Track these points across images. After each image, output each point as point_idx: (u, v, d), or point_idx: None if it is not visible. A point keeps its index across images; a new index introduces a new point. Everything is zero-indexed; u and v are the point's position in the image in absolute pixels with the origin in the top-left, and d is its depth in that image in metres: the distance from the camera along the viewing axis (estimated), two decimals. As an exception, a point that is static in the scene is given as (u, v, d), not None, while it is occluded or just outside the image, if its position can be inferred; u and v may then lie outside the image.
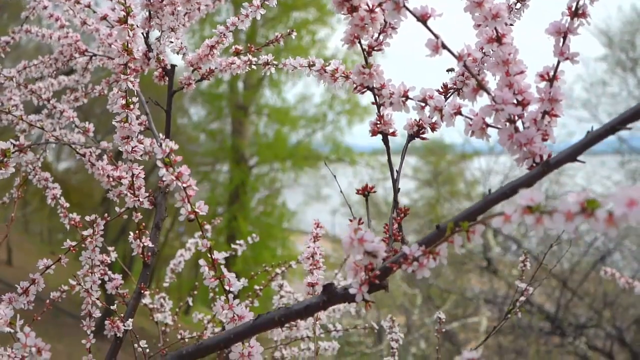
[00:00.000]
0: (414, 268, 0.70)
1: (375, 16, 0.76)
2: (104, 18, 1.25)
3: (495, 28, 0.73)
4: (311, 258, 1.16)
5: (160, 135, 1.30)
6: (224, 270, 0.84)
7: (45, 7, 1.47)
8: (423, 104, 0.83)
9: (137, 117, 1.05)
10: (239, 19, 1.22)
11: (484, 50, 0.78)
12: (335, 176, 1.25)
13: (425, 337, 6.87)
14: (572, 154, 0.65)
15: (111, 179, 1.25)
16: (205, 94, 11.78)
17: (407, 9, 0.70)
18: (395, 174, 0.87)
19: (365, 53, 0.84)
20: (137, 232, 1.20)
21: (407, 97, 0.84)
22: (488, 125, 0.74)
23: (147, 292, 1.57)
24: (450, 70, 0.91)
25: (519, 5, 0.95)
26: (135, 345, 1.22)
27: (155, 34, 1.30)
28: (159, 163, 0.78)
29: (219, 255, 0.84)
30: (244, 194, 11.68)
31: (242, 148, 11.83)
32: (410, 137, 0.89)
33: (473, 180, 11.23)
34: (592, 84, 10.08)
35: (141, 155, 1.09)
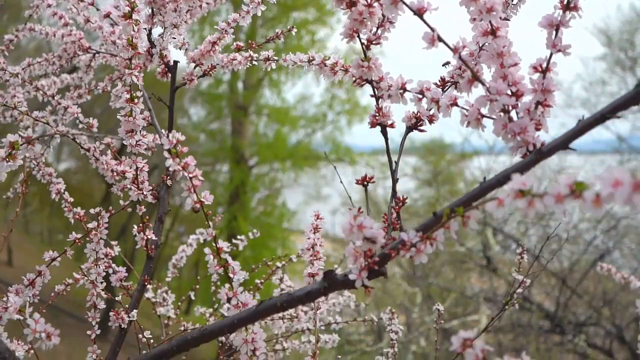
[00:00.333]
0: (412, 254, 0.72)
1: (373, 10, 0.79)
2: (107, 16, 1.28)
3: (490, 21, 0.75)
4: (311, 249, 1.18)
5: (163, 131, 1.33)
6: (228, 258, 0.86)
7: (49, 5, 1.49)
8: (420, 96, 0.85)
9: (141, 112, 1.07)
10: (240, 15, 1.24)
11: (479, 44, 0.80)
12: (338, 174, 1.27)
13: (425, 335, 6.89)
14: (564, 142, 0.67)
15: (115, 173, 1.28)
16: (205, 94, 11.81)
17: (404, 3, 0.72)
18: (393, 164, 0.89)
19: (364, 47, 0.87)
20: (140, 225, 1.23)
21: (405, 90, 0.87)
22: (483, 116, 0.76)
23: (149, 286, 1.60)
24: (446, 63, 0.93)
25: (515, 0, 0.98)
26: (140, 335, 1.24)
27: (156, 32, 1.33)
28: (165, 154, 0.80)
29: (224, 244, 0.86)
30: (244, 194, 11.70)
31: (242, 148, 11.85)
32: (409, 129, 0.91)
33: (473, 180, 11.26)
34: (592, 83, 10.12)
35: (145, 150, 1.11)
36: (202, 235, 1.81)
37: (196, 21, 1.36)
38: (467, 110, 0.78)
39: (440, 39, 0.73)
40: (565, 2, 0.73)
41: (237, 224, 10.69)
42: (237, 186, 11.50)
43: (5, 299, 0.86)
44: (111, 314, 1.20)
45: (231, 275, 0.87)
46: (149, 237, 1.23)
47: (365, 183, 0.93)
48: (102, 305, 1.20)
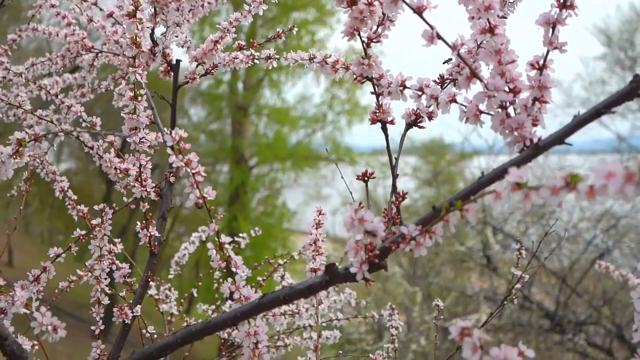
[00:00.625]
0: (412, 247, 0.74)
1: (373, 9, 0.80)
2: (110, 15, 1.30)
3: (488, 19, 0.77)
4: (313, 244, 1.19)
5: (166, 129, 1.34)
6: (231, 252, 0.88)
7: (52, 6, 1.51)
8: (420, 93, 0.87)
9: (144, 110, 1.09)
10: (242, 14, 1.26)
11: (477, 42, 0.82)
12: (340, 172, 1.29)
13: (426, 334, 6.91)
14: (560, 137, 0.68)
15: (118, 171, 1.29)
16: (205, 94, 11.82)
17: (404, 1, 0.74)
18: (393, 161, 0.91)
19: (364, 45, 0.88)
20: (144, 221, 1.24)
21: (405, 87, 0.88)
22: (481, 112, 0.78)
23: (152, 283, 1.61)
24: (447, 61, 0.95)
25: (512, -1, 0.99)
26: (144, 330, 1.26)
27: (158, 31, 1.34)
28: (169, 150, 0.82)
29: (226, 239, 0.87)
30: (244, 194, 11.71)
31: (242, 148, 11.86)
32: (408, 126, 0.92)
33: (472, 180, 11.26)
34: (591, 83, 10.14)
35: (148, 147, 1.13)
36: (205, 233, 1.82)
37: (196, 21, 1.38)
38: (465, 106, 0.80)
39: (439, 37, 0.75)
40: (561, 1, 0.74)
41: (238, 224, 10.70)
42: (237, 186, 11.51)
43: (12, 293, 0.88)
44: (115, 309, 1.22)
45: (234, 269, 0.88)
46: (152, 233, 1.25)
47: (366, 179, 0.95)
48: (106, 300, 1.21)
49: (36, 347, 1.23)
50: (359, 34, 0.86)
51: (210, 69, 1.32)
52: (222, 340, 1.65)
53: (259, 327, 0.87)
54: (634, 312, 0.71)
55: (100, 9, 1.40)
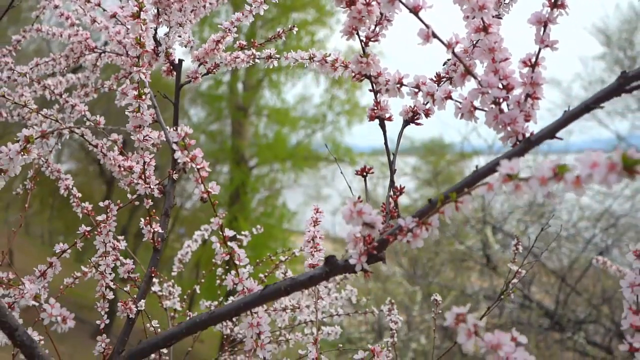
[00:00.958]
0: (409, 239, 0.77)
1: (371, 9, 0.83)
2: (114, 16, 1.32)
3: (482, 19, 0.80)
4: (312, 241, 1.22)
5: (168, 128, 1.37)
6: (234, 246, 0.90)
7: (56, 7, 1.53)
8: (417, 90, 0.90)
9: (148, 108, 1.12)
10: (243, 14, 1.28)
11: (472, 41, 0.84)
12: (341, 171, 1.31)
13: (426, 333, 6.93)
14: (551, 132, 0.71)
15: (122, 169, 1.32)
16: (205, 95, 11.85)
17: (401, 1, 0.76)
18: (391, 156, 0.93)
19: (362, 44, 0.91)
20: (147, 218, 1.27)
21: (402, 84, 0.91)
22: (476, 108, 0.81)
23: (156, 280, 1.64)
24: (446, 62, 0.98)
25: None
26: (148, 324, 1.28)
27: (160, 31, 1.37)
28: (174, 146, 0.84)
29: (230, 233, 0.90)
30: (244, 194, 11.74)
31: (242, 149, 11.89)
32: (406, 123, 0.95)
33: (472, 179, 11.26)
34: (591, 83, 10.15)
35: (152, 145, 1.16)
36: (207, 231, 1.85)
37: (196, 22, 1.40)
38: (460, 103, 0.82)
39: (434, 35, 0.78)
40: (553, 0, 0.77)
41: (238, 225, 10.72)
42: (237, 187, 11.54)
43: (21, 286, 0.90)
44: (119, 304, 1.24)
45: (237, 262, 0.91)
46: (156, 230, 1.27)
47: (365, 174, 0.98)
48: (110, 295, 1.24)
49: (42, 341, 1.26)
50: (357, 34, 0.89)
51: (212, 68, 1.35)
52: (225, 336, 1.67)
53: (262, 318, 0.89)
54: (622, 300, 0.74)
55: (104, 10, 1.42)
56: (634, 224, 8.43)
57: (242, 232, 1.79)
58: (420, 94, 0.90)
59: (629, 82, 0.68)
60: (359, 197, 0.80)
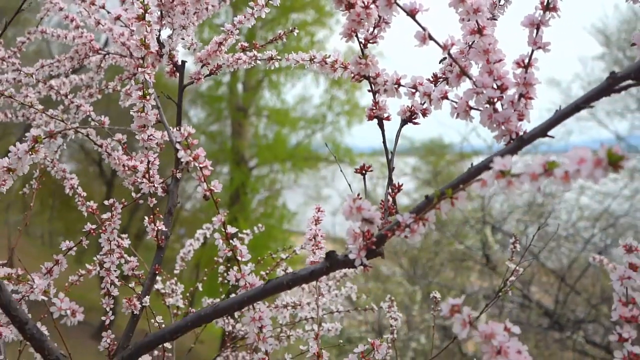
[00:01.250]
0: (407, 234, 0.79)
1: (370, 12, 0.86)
2: (118, 18, 1.35)
3: (477, 21, 0.82)
4: (313, 239, 1.25)
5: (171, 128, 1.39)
6: (237, 242, 0.93)
7: (61, 9, 1.56)
8: (414, 90, 0.93)
9: (152, 108, 1.14)
10: (245, 17, 1.31)
11: (468, 42, 0.87)
12: (342, 171, 1.34)
13: (426, 332, 6.96)
14: (543, 130, 0.74)
15: (126, 168, 1.34)
16: (205, 96, 11.87)
17: (398, 4, 0.79)
18: (390, 154, 0.96)
19: (361, 45, 0.94)
20: (151, 216, 1.30)
21: (400, 85, 0.94)
22: (471, 108, 0.83)
23: (159, 278, 1.67)
24: (442, 60, 1.00)
25: (502, 1, 1.05)
26: (152, 320, 1.31)
27: (163, 33, 1.39)
28: (177, 146, 0.87)
29: (232, 229, 0.93)
30: (244, 195, 11.76)
31: (242, 149, 11.91)
32: (404, 122, 0.98)
33: (471, 179, 11.26)
34: (590, 83, 10.17)
35: (156, 144, 1.18)
36: (209, 230, 1.88)
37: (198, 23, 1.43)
38: (456, 102, 0.85)
39: (431, 37, 0.80)
40: (545, 3, 0.80)
41: (238, 225, 10.72)
42: (237, 187, 11.56)
43: (30, 282, 0.93)
44: (124, 301, 1.27)
45: (239, 258, 0.94)
46: (160, 228, 1.30)
47: (364, 172, 1.00)
48: (115, 292, 1.26)
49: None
50: (356, 36, 0.92)
51: (214, 69, 1.37)
52: (227, 333, 1.70)
53: (264, 312, 0.92)
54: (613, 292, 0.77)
55: (108, 12, 1.45)
56: (633, 224, 8.46)
57: (244, 231, 1.82)
58: (417, 94, 0.93)
59: (618, 82, 0.71)
60: (358, 195, 0.82)
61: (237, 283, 0.93)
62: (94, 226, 1.25)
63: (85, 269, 1.31)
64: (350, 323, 7.81)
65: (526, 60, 0.81)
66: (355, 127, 12.15)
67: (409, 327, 7.10)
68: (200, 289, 1.84)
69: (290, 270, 1.76)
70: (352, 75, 0.95)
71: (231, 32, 1.31)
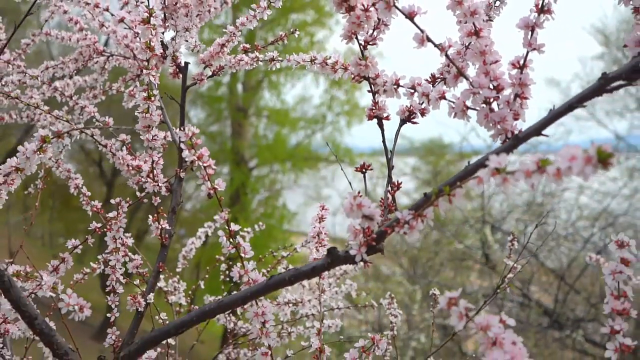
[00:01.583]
0: (406, 230, 0.82)
1: (369, 14, 0.88)
2: (122, 20, 1.37)
3: (474, 23, 0.85)
4: (317, 237, 1.27)
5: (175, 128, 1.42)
6: (240, 239, 0.95)
7: (65, 12, 1.58)
8: (412, 91, 0.95)
9: (157, 109, 1.17)
10: (247, 19, 1.33)
11: (465, 44, 0.89)
12: (343, 171, 1.36)
13: (426, 332, 6.98)
14: (537, 129, 0.76)
15: (130, 168, 1.37)
16: (205, 96, 11.89)
17: (397, 7, 0.82)
18: (389, 153, 0.99)
19: (361, 47, 0.96)
20: (155, 215, 1.32)
21: (399, 85, 0.96)
22: (468, 107, 0.86)
23: (161, 276, 1.69)
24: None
25: (497, 3, 1.07)
26: (156, 317, 1.33)
27: (166, 36, 1.42)
28: (182, 145, 0.89)
29: (236, 227, 0.95)
30: (245, 195, 11.78)
31: (242, 150, 11.93)
32: (402, 122, 1.00)
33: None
34: (589, 82, 10.12)
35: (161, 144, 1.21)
36: (210, 228, 1.90)
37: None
38: (453, 102, 0.88)
39: (429, 39, 0.83)
40: (540, 6, 0.82)
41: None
42: (237, 188, 11.58)
43: (38, 278, 0.95)
44: (128, 298, 1.29)
45: (243, 255, 0.96)
46: (163, 226, 1.32)
47: (364, 171, 1.03)
48: (120, 290, 1.29)
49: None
50: (356, 37, 0.94)
51: (216, 70, 1.40)
52: (229, 330, 1.72)
53: (266, 307, 0.94)
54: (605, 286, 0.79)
55: (112, 15, 1.48)
56: (632, 223, 8.48)
57: (245, 230, 1.84)
58: (416, 94, 0.96)
59: (609, 83, 0.74)
60: (358, 192, 0.85)
61: (240, 279, 0.95)
62: (99, 225, 1.27)
63: (87, 268, 1.33)
64: (350, 323, 7.84)
65: (521, 62, 0.83)
66: (355, 127, 12.17)
67: (409, 326, 7.13)
68: (202, 286, 1.87)
69: (291, 267, 1.78)
70: (352, 76, 0.98)
71: (234, 34, 1.34)
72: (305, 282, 1.95)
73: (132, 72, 1.58)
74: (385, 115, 0.99)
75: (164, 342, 1.46)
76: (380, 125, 0.99)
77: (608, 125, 9.61)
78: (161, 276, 1.69)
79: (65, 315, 0.93)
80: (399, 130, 0.99)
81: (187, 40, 1.34)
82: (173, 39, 1.34)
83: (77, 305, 0.87)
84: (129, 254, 1.36)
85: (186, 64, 1.40)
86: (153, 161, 1.23)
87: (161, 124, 1.43)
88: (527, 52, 0.82)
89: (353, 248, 0.84)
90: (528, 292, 7.32)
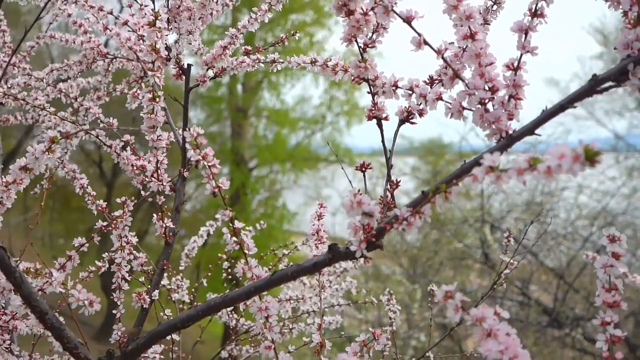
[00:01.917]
0: (404, 227, 0.84)
1: (368, 18, 0.91)
2: (125, 23, 1.40)
3: (470, 27, 0.88)
4: (316, 234, 1.30)
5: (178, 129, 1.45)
6: (244, 236, 0.98)
7: (69, 15, 1.61)
8: (410, 92, 0.98)
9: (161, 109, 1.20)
10: (249, 22, 1.36)
11: (461, 46, 0.92)
12: (345, 170, 1.39)
13: (425, 331, 7.01)
14: (530, 129, 0.79)
15: (135, 168, 1.40)
16: (205, 97, 11.91)
17: (395, 12, 0.85)
18: (388, 153, 1.02)
19: (360, 50, 0.99)
20: (159, 214, 1.35)
21: (397, 87, 0.99)
22: (464, 108, 0.89)
23: (165, 274, 1.72)
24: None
25: (494, 7, 1.10)
26: (161, 313, 1.36)
27: (168, 39, 1.45)
28: (187, 145, 0.92)
29: (239, 224, 0.98)
30: (244, 196, 11.81)
31: (241, 150, 11.95)
32: (401, 122, 1.03)
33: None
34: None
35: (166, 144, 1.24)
36: (212, 227, 1.93)
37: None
38: (450, 103, 0.91)
39: (426, 43, 0.86)
40: (533, 10, 0.85)
41: (238, 226, 10.74)
42: (237, 188, 11.60)
43: (48, 274, 0.98)
44: (134, 295, 1.32)
45: (246, 252, 0.99)
46: (168, 225, 1.35)
47: (364, 170, 1.06)
48: (126, 286, 1.32)
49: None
50: (356, 40, 0.97)
51: (219, 72, 1.43)
52: (232, 328, 1.75)
53: (270, 302, 0.97)
54: (597, 280, 0.82)
55: (116, 18, 1.51)
56: (631, 222, 8.51)
57: (246, 228, 1.87)
58: (413, 95, 0.99)
59: (599, 84, 0.77)
60: (358, 190, 0.88)
61: (244, 275, 0.98)
62: (104, 223, 1.30)
63: (87, 269, 1.37)
64: (350, 323, 7.87)
65: (515, 64, 0.86)
66: (355, 127, 12.20)
67: (409, 325, 7.16)
68: (205, 284, 1.90)
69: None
70: (352, 78, 1.01)
71: (235, 36, 1.37)
72: (306, 281, 1.98)
73: (136, 74, 1.61)
74: (384, 115, 1.02)
75: (169, 338, 1.50)
76: (380, 125, 1.02)
77: (607, 124, 9.64)
78: (164, 274, 1.72)
79: (75, 310, 0.95)
80: (397, 130, 1.02)
81: (190, 43, 1.37)
82: (176, 41, 1.37)
83: (87, 300, 0.90)
84: (134, 252, 1.39)
85: (189, 65, 1.43)
86: (158, 161, 1.26)
87: (164, 124, 1.46)
88: (521, 55, 0.85)
89: (353, 244, 0.87)
90: (527, 291, 7.35)
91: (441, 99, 0.94)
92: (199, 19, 1.40)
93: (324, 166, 12.61)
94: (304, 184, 12.96)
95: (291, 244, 1.85)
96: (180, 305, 1.73)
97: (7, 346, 1.23)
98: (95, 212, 1.46)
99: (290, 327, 1.69)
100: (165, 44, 1.41)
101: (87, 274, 1.53)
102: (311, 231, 1.31)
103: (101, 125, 1.50)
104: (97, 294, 1.48)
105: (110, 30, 1.59)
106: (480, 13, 1.02)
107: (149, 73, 1.12)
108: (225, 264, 1.79)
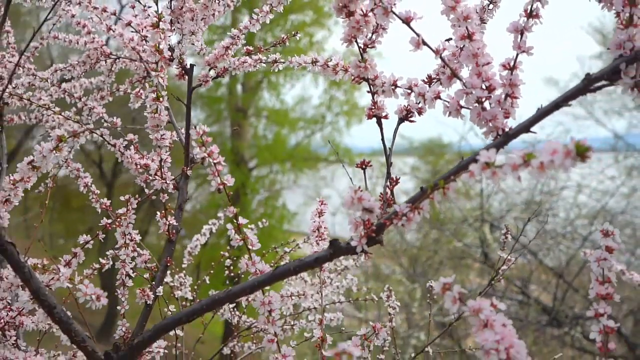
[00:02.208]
0: (403, 222, 0.87)
1: (368, 19, 0.94)
2: (129, 24, 1.43)
3: (467, 27, 0.90)
4: (317, 231, 1.33)
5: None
6: (247, 232, 1.01)
7: (73, 16, 1.64)
8: (409, 91, 1.01)
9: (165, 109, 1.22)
10: (250, 22, 1.39)
11: (459, 46, 0.95)
12: (346, 170, 1.41)
13: (425, 330, 7.04)
14: (526, 127, 0.82)
15: (138, 166, 1.42)
16: (204, 97, 11.93)
17: (394, 13, 0.87)
18: (388, 151, 1.04)
19: (360, 50, 1.02)
20: (163, 212, 1.37)
21: (396, 86, 1.02)
22: (461, 107, 0.91)
23: (168, 271, 1.74)
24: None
25: (491, 6, 1.13)
26: (165, 309, 1.38)
27: (171, 40, 1.47)
28: (193, 143, 0.95)
29: (243, 220, 1.00)
30: (244, 196, 11.82)
31: (241, 150, 11.97)
32: (400, 120, 1.06)
33: (470, 178, 11.32)
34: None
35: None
36: (214, 225, 1.95)
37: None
38: (448, 102, 0.93)
39: (424, 43, 0.88)
40: (528, 11, 0.88)
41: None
42: (237, 188, 11.62)
43: (55, 270, 1.00)
44: (137, 291, 1.34)
45: (250, 247, 1.01)
46: (171, 222, 1.37)
47: (364, 167, 1.08)
48: (130, 283, 1.34)
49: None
50: (356, 41, 0.99)
51: (221, 72, 1.45)
52: (234, 325, 1.77)
53: (273, 297, 1.00)
54: (590, 273, 0.84)
55: (119, 19, 1.53)
56: (630, 221, 8.54)
57: (248, 226, 1.89)
58: (412, 94, 1.01)
59: (593, 83, 0.79)
60: (359, 187, 0.90)
61: (247, 270, 1.01)
62: (109, 221, 1.32)
63: (91, 267, 1.39)
64: (350, 322, 7.89)
65: (512, 63, 0.88)
66: (354, 127, 12.22)
67: (409, 324, 7.18)
68: (208, 281, 1.92)
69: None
70: (353, 77, 1.03)
71: (237, 37, 1.39)
72: (307, 278, 2.01)
73: (138, 74, 1.63)
74: (384, 114, 1.04)
75: (172, 334, 1.52)
76: (379, 124, 1.05)
77: (606, 124, 9.65)
78: (167, 271, 1.74)
79: (83, 304, 0.98)
80: (397, 128, 1.05)
81: (193, 44, 1.39)
82: (179, 42, 1.39)
83: (94, 295, 0.93)
84: (137, 249, 1.41)
85: (192, 66, 1.45)
86: (161, 159, 1.29)
87: (167, 123, 1.49)
88: (517, 55, 0.88)
89: (354, 239, 0.89)
90: (527, 290, 7.37)
91: (439, 97, 0.96)
92: (202, 19, 1.42)
93: (324, 166, 12.63)
94: (304, 184, 12.99)
95: (292, 241, 1.87)
96: (183, 303, 1.76)
97: (14, 342, 1.25)
98: (99, 210, 1.48)
99: (292, 323, 1.72)
100: (168, 44, 1.43)
101: (92, 271, 1.55)
102: (312, 228, 1.33)
103: (105, 124, 1.53)
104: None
105: (114, 31, 1.62)
106: (477, 12, 1.05)
107: (153, 73, 1.14)
108: (228, 262, 1.81)
